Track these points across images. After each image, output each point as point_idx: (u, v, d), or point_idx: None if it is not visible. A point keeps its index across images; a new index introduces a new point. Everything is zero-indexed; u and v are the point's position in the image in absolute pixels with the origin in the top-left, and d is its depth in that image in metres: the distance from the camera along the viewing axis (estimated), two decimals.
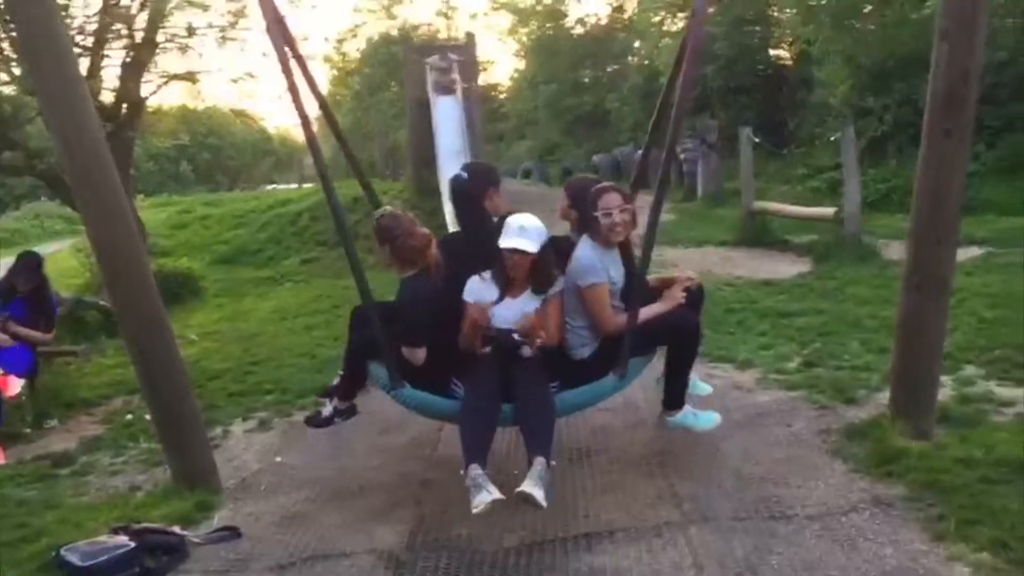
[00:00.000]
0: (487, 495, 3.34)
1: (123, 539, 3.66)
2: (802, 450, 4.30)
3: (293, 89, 3.76)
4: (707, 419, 4.34)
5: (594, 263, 4.04)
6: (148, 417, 5.77)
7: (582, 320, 4.11)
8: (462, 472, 3.49)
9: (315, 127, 4.09)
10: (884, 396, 4.67)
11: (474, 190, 4.39)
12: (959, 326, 6.06)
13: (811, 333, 6.53)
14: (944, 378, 4.69)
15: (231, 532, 3.95)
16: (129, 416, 6.20)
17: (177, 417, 4.40)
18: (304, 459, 4.91)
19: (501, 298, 4.06)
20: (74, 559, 3.52)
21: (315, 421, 4.51)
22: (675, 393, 4.31)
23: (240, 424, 5.76)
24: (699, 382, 4.75)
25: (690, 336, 4.16)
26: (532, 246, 3.94)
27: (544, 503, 3.35)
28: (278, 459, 4.99)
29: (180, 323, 9.30)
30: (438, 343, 4.04)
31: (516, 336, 3.92)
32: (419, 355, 4.01)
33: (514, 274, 4.02)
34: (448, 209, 12.82)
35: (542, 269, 4.05)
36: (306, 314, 10.04)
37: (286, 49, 3.79)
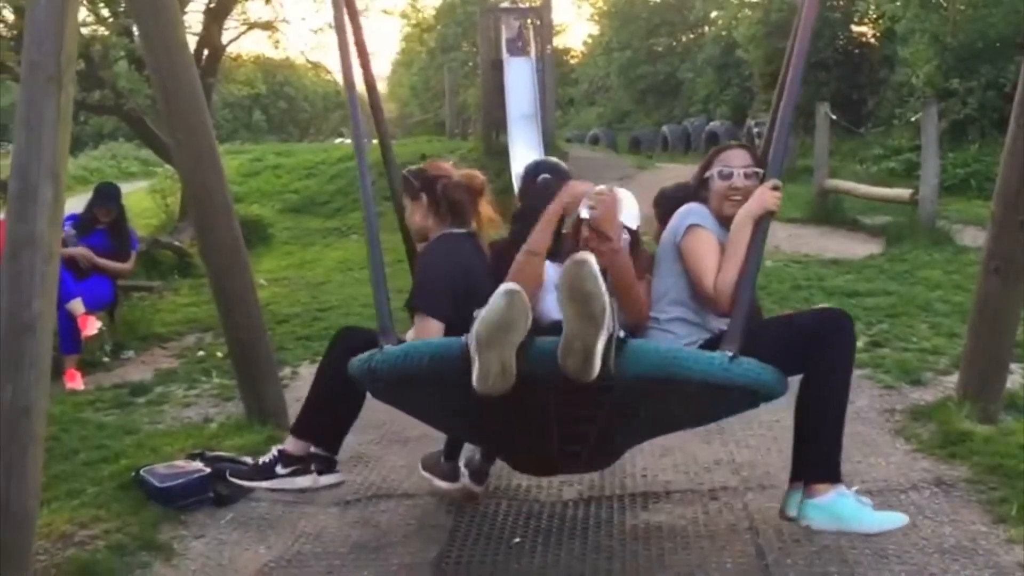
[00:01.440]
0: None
1: (198, 465, 3.82)
2: (864, 427, 4.30)
3: (343, 47, 3.26)
4: (885, 517, 2.87)
5: (701, 212, 3.07)
6: (220, 354, 5.99)
7: (674, 307, 3.00)
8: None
9: (384, 85, 3.86)
10: (951, 380, 4.64)
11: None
12: None
13: (879, 314, 6.46)
14: (1014, 366, 4.62)
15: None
16: (201, 352, 6.42)
17: (252, 354, 4.55)
18: (369, 402, 5.02)
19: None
20: (152, 480, 3.69)
21: (247, 473, 3.56)
22: (821, 452, 2.79)
23: (308, 367, 5.91)
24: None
25: (839, 333, 2.83)
26: (632, 221, 2.98)
27: (604, 294, 2.31)
28: None
29: None
30: (464, 325, 2.56)
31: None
32: (432, 330, 3.04)
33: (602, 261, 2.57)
34: (516, 173, 12.90)
35: (635, 257, 2.99)
36: None
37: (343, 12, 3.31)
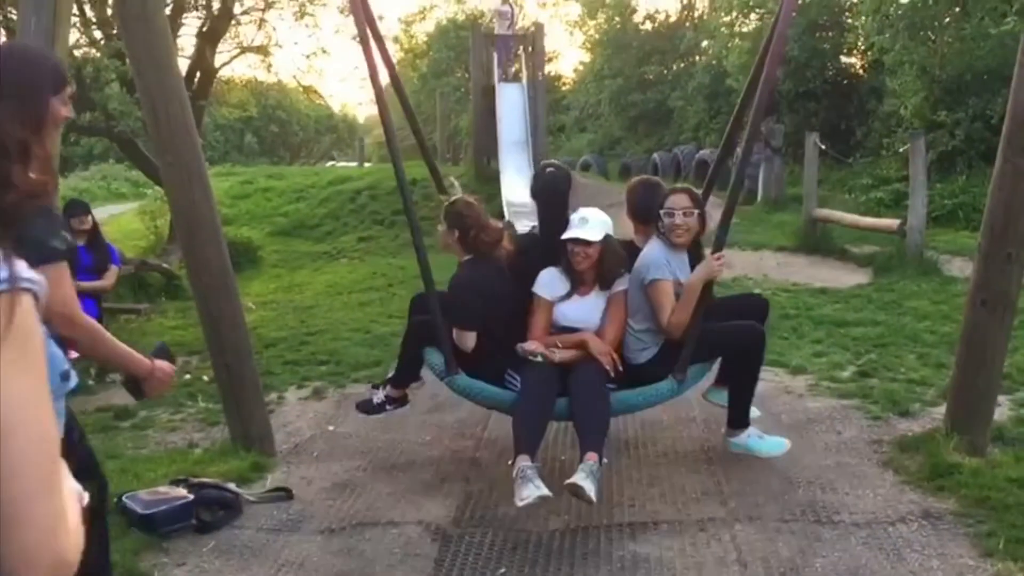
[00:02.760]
0: (534, 490, 3.36)
1: (182, 491, 3.79)
2: (852, 458, 4.29)
3: (372, 67, 3.87)
4: (774, 444, 4.15)
5: (660, 259, 3.97)
6: (206, 378, 5.94)
7: (644, 322, 4.02)
8: (510, 463, 3.54)
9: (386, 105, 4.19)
10: (938, 411, 4.64)
11: (566, 187, 4.32)
12: (1020, 347, 5.96)
13: (867, 343, 6.47)
14: (1002, 398, 4.64)
15: (284, 493, 4.06)
16: (187, 376, 6.37)
17: (239, 378, 4.52)
18: (356, 429, 5.01)
19: (570, 295, 4.05)
20: (135, 506, 3.66)
21: (365, 407, 4.50)
22: (739, 411, 4.15)
23: (295, 392, 5.89)
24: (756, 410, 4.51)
25: (755, 346, 4.01)
26: (594, 235, 3.92)
27: (594, 498, 3.36)
28: (331, 428, 5.10)
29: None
30: (495, 332, 4.02)
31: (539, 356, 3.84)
32: (468, 339, 3.99)
33: (581, 267, 3.98)
34: (507, 199, 12.94)
35: (606, 260, 4.00)
36: (360, 290, 10.19)
37: (367, 28, 3.88)
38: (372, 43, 3.98)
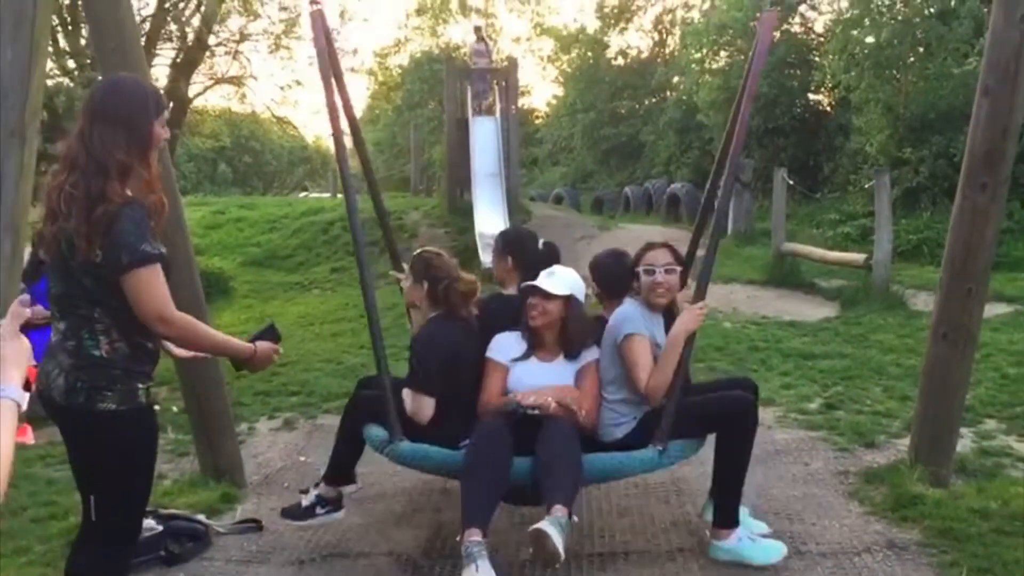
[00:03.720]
0: (477, 572, 2.95)
1: (150, 523, 3.75)
2: (819, 489, 4.35)
3: (331, 104, 3.61)
4: (769, 550, 3.50)
5: (634, 315, 3.59)
6: (175, 408, 5.91)
7: (619, 392, 3.58)
8: (458, 539, 3.13)
9: (349, 141, 4.03)
10: (903, 443, 4.72)
11: (552, 258, 3.99)
12: (983, 380, 6.09)
13: (834, 376, 6.57)
14: (964, 430, 4.73)
15: (254, 525, 4.05)
16: (157, 407, 6.31)
17: (209, 410, 4.51)
18: (327, 459, 4.98)
19: (527, 356, 3.69)
20: None
21: (292, 512, 3.86)
22: (727, 506, 3.54)
23: (265, 422, 5.88)
24: (748, 517, 3.79)
25: (745, 417, 3.47)
26: (556, 288, 3.58)
27: (561, 552, 2.93)
28: (302, 458, 5.09)
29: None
30: (460, 396, 3.64)
31: (530, 409, 3.44)
32: (426, 406, 3.55)
33: (536, 323, 3.61)
34: (480, 232, 12.98)
35: (571, 324, 3.64)
36: (332, 321, 10.18)
37: (328, 65, 3.65)
38: (334, 84, 3.66)
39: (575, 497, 3.17)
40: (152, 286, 2.38)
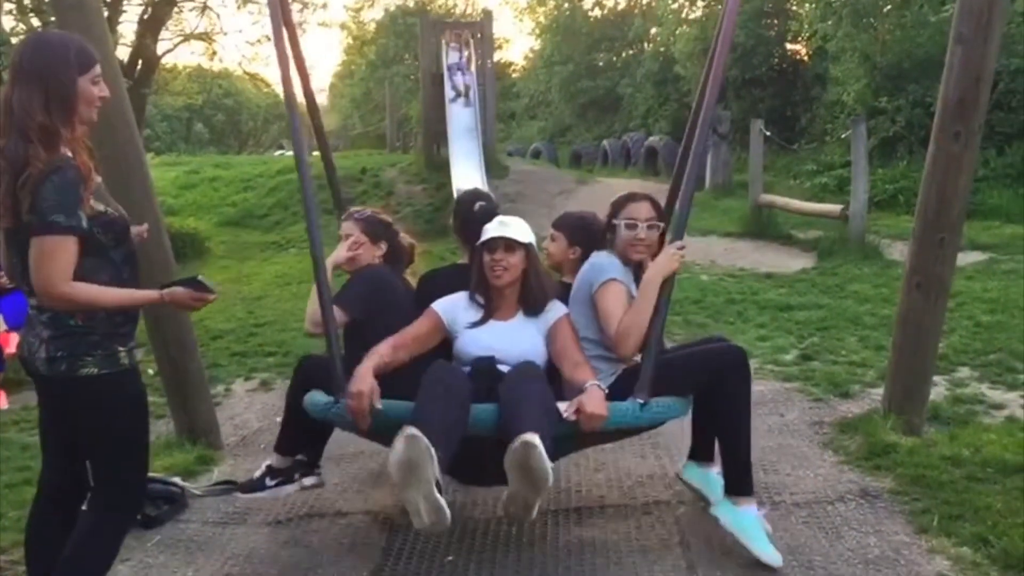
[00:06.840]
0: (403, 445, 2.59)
1: None
2: (794, 440, 4.38)
3: (282, 57, 3.37)
4: (773, 554, 3.09)
5: (612, 264, 3.30)
6: (151, 371, 5.86)
7: (594, 348, 3.26)
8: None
9: (324, 97, 3.84)
10: (878, 392, 4.76)
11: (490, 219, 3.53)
12: (956, 329, 6.14)
13: (810, 327, 6.61)
14: (938, 378, 4.77)
15: (230, 486, 4.03)
16: (150, 371, 6.28)
17: (184, 373, 4.48)
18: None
19: (484, 320, 3.29)
20: None
21: (246, 486, 3.60)
22: (740, 472, 3.16)
23: (242, 384, 5.85)
24: (715, 475, 3.43)
25: (736, 368, 3.12)
26: (523, 235, 3.24)
27: (550, 472, 2.63)
28: (278, 419, 5.04)
29: None
30: (374, 334, 3.30)
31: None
32: (337, 316, 3.28)
33: (507, 279, 3.23)
34: (457, 187, 12.87)
35: (535, 278, 3.29)
36: (309, 280, 9.98)
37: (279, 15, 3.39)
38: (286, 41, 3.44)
39: (549, 429, 2.76)
40: (51, 259, 2.30)
